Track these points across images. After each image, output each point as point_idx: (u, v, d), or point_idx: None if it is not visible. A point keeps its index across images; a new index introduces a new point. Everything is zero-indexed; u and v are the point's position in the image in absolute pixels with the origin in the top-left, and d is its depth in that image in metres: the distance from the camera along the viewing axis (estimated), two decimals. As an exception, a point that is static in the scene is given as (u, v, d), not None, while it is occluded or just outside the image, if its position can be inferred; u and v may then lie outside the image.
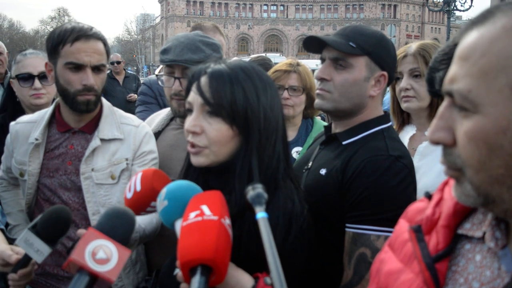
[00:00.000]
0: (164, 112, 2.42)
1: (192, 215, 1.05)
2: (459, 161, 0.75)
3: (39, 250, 1.37)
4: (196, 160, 1.34)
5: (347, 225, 1.54)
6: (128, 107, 6.30)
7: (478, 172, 0.72)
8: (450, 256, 0.86)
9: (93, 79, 1.92)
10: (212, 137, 1.30)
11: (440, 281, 0.83)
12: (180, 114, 2.17)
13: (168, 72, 2.15)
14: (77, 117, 2.03)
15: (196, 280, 0.92)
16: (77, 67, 1.91)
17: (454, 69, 0.75)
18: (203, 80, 1.32)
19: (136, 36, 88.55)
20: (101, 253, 1.02)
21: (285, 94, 2.72)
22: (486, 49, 0.70)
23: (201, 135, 1.31)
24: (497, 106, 0.68)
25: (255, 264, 1.08)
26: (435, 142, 0.78)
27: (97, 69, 1.94)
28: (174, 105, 2.16)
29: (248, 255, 1.12)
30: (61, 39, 1.90)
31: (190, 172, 1.45)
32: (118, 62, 7.69)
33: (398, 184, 1.51)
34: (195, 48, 2.08)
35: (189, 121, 1.32)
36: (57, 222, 1.40)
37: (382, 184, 1.50)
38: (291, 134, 2.81)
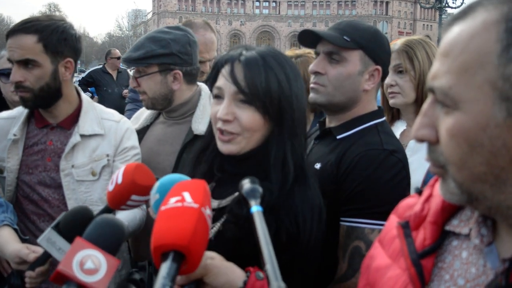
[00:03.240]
0: None
1: (173, 200, 1.01)
2: (442, 159, 0.74)
3: (61, 249, 1.34)
4: (226, 148, 1.30)
5: (342, 218, 1.54)
6: (123, 102, 6.30)
7: (460, 169, 0.72)
8: (437, 252, 0.85)
9: (22, 74, 1.86)
10: (245, 124, 1.27)
11: (425, 277, 0.83)
12: (148, 108, 2.22)
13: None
14: (48, 113, 2.00)
15: (167, 266, 0.88)
16: (12, 63, 1.88)
17: (436, 65, 0.75)
18: (237, 68, 1.27)
19: (127, 32, 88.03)
20: (90, 263, 0.99)
21: None
22: (466, 45, 0.69)
23: (234, 122, 1.27)
24: (476, 103, 0.68)
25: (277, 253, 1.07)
26: (419, 140, 0.77)
27: (24, 63, 1.86)
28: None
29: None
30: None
31: (205, 154, 1.42)
32: (118, 58, 7.71)
33: (393, 178, 1.51)
34: (139, 45, 2.09)
35: (221, 109, 1.27)
36: (80, 221, 1.36)
37: (376, 178, 1.50)
38: None
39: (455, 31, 0.72)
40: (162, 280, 0.84)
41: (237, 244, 1.21)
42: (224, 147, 1.31)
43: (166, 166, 2.05)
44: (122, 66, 7.78)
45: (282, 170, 1.27)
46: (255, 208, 0.98)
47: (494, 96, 0.66)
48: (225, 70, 1.30)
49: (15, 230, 1.76)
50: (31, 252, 1.57)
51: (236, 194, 1.25)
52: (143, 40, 2.11)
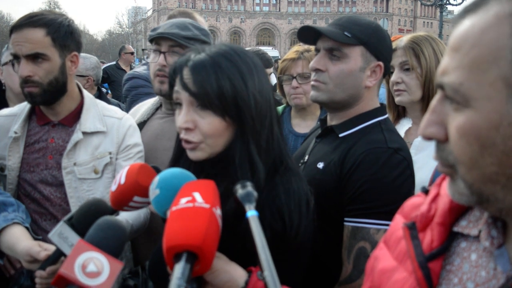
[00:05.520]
0: (150, 102, 2.39)
1: (183, 200, 1.01)
2: (451, 158, 0.71)
3: (73, 245, 1.25)
4: (193, 155, 1.30)
5: (346, 219, 1.52)
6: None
7: (470, 169, 0.69)
8: (445, 254, 0.82)
9: (31, 69, 1.83)
10: (205, 131, 1.25)
11: (433, 280, 0.80)
12: (162, 93, 2.12)
13: (155, 49, 2.10)
14: (50, 110, 1.97)
15: (181, 266, 0.89)
16: (17, 58, 1.85)
17: (446, 60, 0.71)
18: (186, 74, 1.25)
19: (127, 29, 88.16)
20: (92, 266, 0.98)
21: (294, 83, 2.62)
22: (478, 39, 0.66)
23: (195, 131, 1.25)
24: (489, 100, 0.64)
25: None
26: (427, 138, 0.74)
27: (34, 57, 1.83)
28: (156, 83, 2.11)
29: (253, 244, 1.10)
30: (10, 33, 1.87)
31: (182, 159, 1.41)
32: (132, 53, 7.80)
33: (398, 177, 1.49)
34: (183, 27, 2.05)
35: (180, 118, 1.26)
36: (95, 215, 1.30)
37: (381, 177, 1.48)
38: (310, 124, 2.64)
39: (466, 25, 0.69)
40: (176, 280, 0.85)
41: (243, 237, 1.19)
42: (191, 155, 1.30)
43: (164, 161, 2.03)
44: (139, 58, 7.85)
45: (251, 169, 1.25)
46: (251, 213, 0.96)
47: (508, 93, 0.63)
48: (178, 78, 1.28)
49: (27, 229, 1.71)
50: (42, 250, 1.51)
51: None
52: (184, 22, 2.09)
